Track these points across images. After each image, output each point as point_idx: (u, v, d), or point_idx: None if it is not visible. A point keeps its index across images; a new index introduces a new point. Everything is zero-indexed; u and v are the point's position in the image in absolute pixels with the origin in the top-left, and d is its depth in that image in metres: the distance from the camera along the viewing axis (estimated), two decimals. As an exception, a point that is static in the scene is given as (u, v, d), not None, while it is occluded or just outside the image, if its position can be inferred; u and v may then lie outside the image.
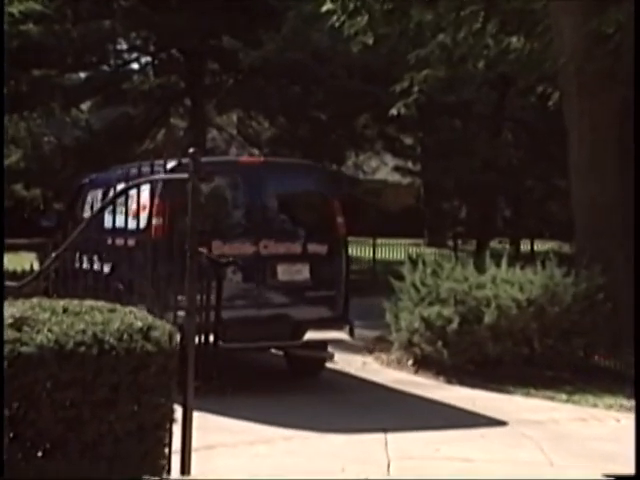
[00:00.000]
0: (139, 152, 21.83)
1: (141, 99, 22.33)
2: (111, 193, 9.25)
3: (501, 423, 8.40)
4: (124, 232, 7.78)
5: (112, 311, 5.32)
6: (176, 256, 6.74)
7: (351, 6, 12.80)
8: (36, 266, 9.14)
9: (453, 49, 13.02)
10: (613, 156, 11.42)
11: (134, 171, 8.09)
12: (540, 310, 10.13)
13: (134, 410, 5.05)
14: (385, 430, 7.82)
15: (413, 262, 11.25)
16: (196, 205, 6.03)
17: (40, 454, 4.80)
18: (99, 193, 10.53)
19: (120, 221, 7.92)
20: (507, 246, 23.71)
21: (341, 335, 9.81)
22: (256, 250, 9.37)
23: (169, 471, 5.49)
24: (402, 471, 6.76)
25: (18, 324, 4.88)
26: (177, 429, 5.61)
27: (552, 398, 9.47)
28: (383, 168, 33.60)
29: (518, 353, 10.14)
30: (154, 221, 8.46)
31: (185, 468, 5.82)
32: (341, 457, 7.02)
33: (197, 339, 6.86)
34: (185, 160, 6.56)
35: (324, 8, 13.00)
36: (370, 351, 12.07)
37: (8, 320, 4.90)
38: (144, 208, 8.37)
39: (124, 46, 24.07)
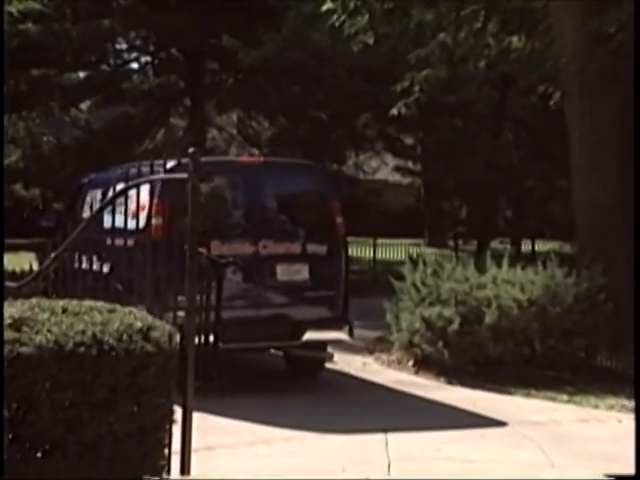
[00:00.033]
0: (139, 152, 21.79)
1: (141, 99, 22.30)
2: (110, 193, 9.26)
3: (502, 424, 8.38)
4: (123, 232, 7.75)
5: (112, 311, 5.30)
6: (175, 256, 6.72)
7: (351, 5, 12.76)
8: (35, 266, 9.10)
9: (454, 49, 12.98)
10: (615, 156, 11.40)
11: (133, 171, 8.07)
12: (541, 310, 10.11)
13: (134, 411, 5.02)
14: (385, 430, 7.81)
15: (414, 262, 11.24)
16: (196, 205, 6.00)
17: (39, 455, 4.77)
18: (98, 193, 10.52)
19: (119, 221, 7.89)
20: (508, 246, 23.66)
21: (340, 335, 9.81)
22: (255, 250, 9.36)
23: (169, 472, 5.47)
24: (403, 472, 6.75)
25: (17, 324, 4.86)
26: (177, 430, 5.58)
27: (553, 399, 9.46)
28: (383, 168, 33.59)
29: (519, 353, 10.13)
30: (153, 221, 8.44)
31: (185, 469, 5.79)
32: (341, 458, 7.01)
33: (197, 340, 6.84)
34: (185, 160, 6.54)
35: (324, 7, 12.96)
36: (370, 351, 12.06)
37: (7, 320, 4.88)
38: (143, 208, 8.35)
39: (123, 45, 24.07)
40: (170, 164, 8.66)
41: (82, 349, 4.80)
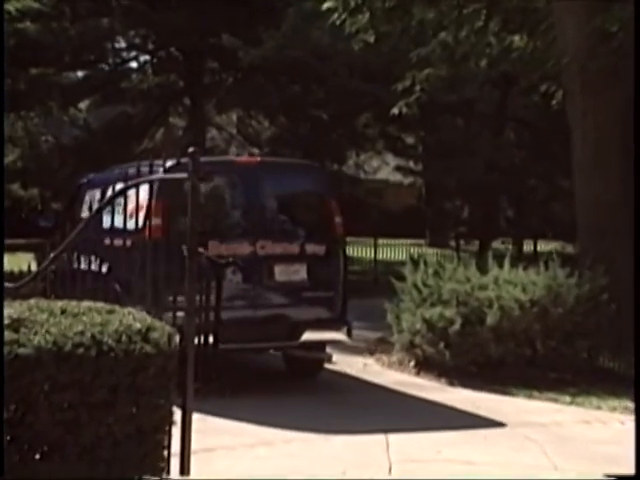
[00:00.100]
0: (138, 151, 21.76)
1: (140, 98, 22.27)
2: (109, 193, 9.23)
3: (504, 425, 8.34)
4: (121, 232, 7.73)
5: (111, 312, 5.27)
6: (174, 256, 6.68)
7: (352, 4, 12.74)
8: (34, 267, 9.05)
9: (455, 47, 12.95)
10: (617, 154, 11.37)
11: (132, 171, 8.04)
12: (543, 311, 10.07)
13: (133, 412, 4.99)
14: (386, 432, 7.77)
15: (415, 263, 11.21)
16: (195, 205, 5.96)
17: (38, 457, 4.74)
18: (97, 193, 10.50)
19: (118, 221, 7.86)
20: (510, 246, 23.62)
21: (339, 336, 9.78)
22: (253, 250, 9.32)
23: (168, 474, 5.43)
24: (404, 474, 6.71)
25: (15, 325, 4.83)
26: (176, 431, 5.54)
27: (555, 400, 9.42)
28: (384, 168, 33.56)
29: (521, 355, 10.09)
30: (150, 221, 8.38)
31: (184, 471, 5.75)
32: (342, 460, 6.97)
33: (196, 340, 6.80)
34: (184, 160, 6.49)
35: (325, 5, 12.94)
36: (371, 352, 12.02)
37: (5, 321, 4.84)
38: (141, 208, 8.31)
39: (123, 44, 24.06)
40: (169, 164, 8.63)
41: (81, 350, 4.77)
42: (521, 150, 25.51)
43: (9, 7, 16.96)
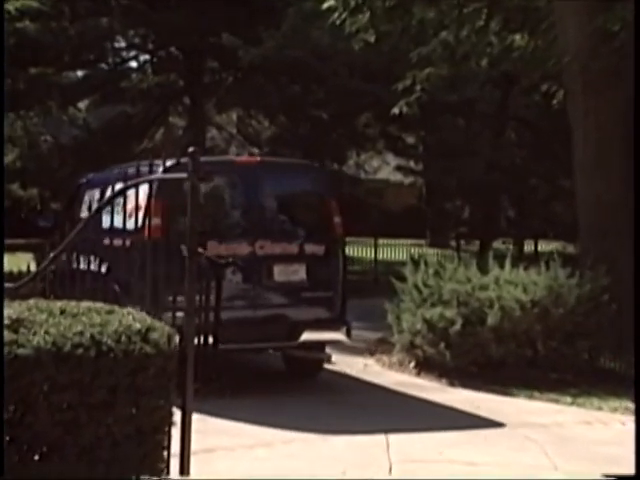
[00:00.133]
0: (137, 151, 21.73)
1: (139, 98, 22.25)
2: (108, 193, 9.21)
3: (504, 426, 8.33)
4: (120, 232, 7.71)
5: (110, 312, 5.25)
6: (174, 257, 6.66)
7: (352, 3, 12.73)
8: (33, 267, 9.03)
9: (456, 47, 12.93)
10: (619, 154, 11.35)
11: (132, 171, 8.01)
12: (544, 311, 10.05)
13: (132, 413, 4.97)
14: (387, 432, 7.75)
15: (415, 263, 11.19)
16: (195, 205, 5.94)
17: (37, 457, 4.72)
18: (96, 193, 10.48)
19: (117, 221, 7.84)
20: (510, 247, 23.62)
21: (338, 336, 9.76)
22: (252, 250, 9.30)
23: (168, 474, 5.42)
24: (404, 474, 6.70)
25: (15, 326, 4.81)
26: (176, 432, 5.52)
27: (556, 401, 9.40)
28: (385, 167, 33.54)
29: (522, 355, 10.07)
30: (149, 221, 8.35)
31: (184, 471, 5.74)
32: (342, 460, 6.96)
33: (196, 340, 6.78)
34: (184, 159, 6.48)
35: (325, 5, 12.94)
36: (371, 353, 12.00)
37: (5, 322, 4.82)
38: (141, 208, 8.29)
39: (122, 44, 24.02)
40: (168, 164, 8.61)
41: (80, 350, 4.75)
42: (522, 150, 25.47)
43: (8, 6, 16.93)
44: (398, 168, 30.75)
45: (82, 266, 7.56)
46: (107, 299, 6.14)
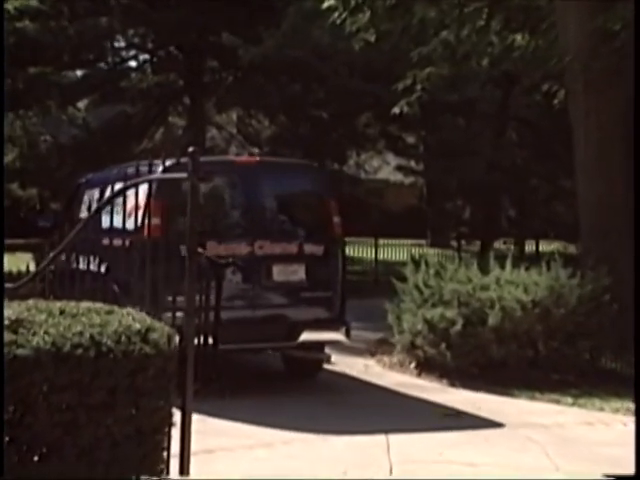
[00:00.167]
0: (137, 151, 21.75)
1: (139, 97, 22.25)
2: (108, 193, 9.18)
3: (505, 427, 8.30)
4: (120, 232, 7.68)
5: (110, 313, 5.22)
6: (173, 257, 6.64)
7: (353, 2, 12.72)
8: (32, 267, 9.01)
9: (456, 46, 12.91)
10: (620, 154, 11.34)
11: (131, 170, 7.99)
12: (545, 312, 10.03)
13: (132, 413, 4.95)
14: (387, 433, 7.73)
15: (416, 263, 11.18)
16: (195, 205, 5.92)
17: (36, 458, 4.70)
18: (96, 193, 10.46)
19: (116, 221, 7.81)
20: (511, 247, 23.65)
21: (337, 336, 9.74)
22: (251, 250, 9.29)
23: (168, 475, 5.40)
24: (404, 474, 6.68)
25: (14, 326, 4.78)
26: (176, 432, 5.50)
27: (558, 401, 9.38)
28: (385, 167, 33.54)
29: (523, 356, 10.05)
30: (148, 221, 8.33)
31: (184, 472, 5.72)
32: (343, 461, 6.94)
33: (196, 341, 6.76)
34: (183, 159, 6.45)
35: (325, 4, 12.93)
36: (372, 353, 11.99)
37: (4, 322, 4.79)
38: (139, 208, 8.26)
39: (122, 43, 24.03)
40: (168, 163, 8.59)
41: (80, 351, 4.72)
42: (523, 150, 25.46)
43: (8, 6, 16.91)
44: (398, 168, 30.75)
45: (81, 266, 7.53)
46: (106, 299, 6.12)
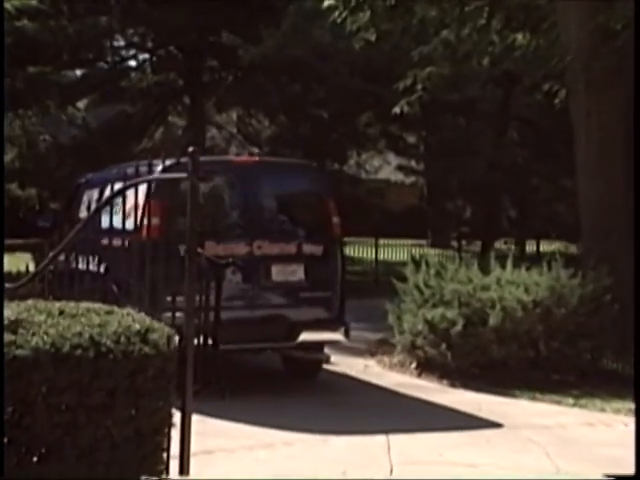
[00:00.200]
0: (137, 151, 21.73)
1: (139, 97, 22.24)
2: (107, 193, 9.17)
3: (506, 427, 8.27)
4: (118, 232, 7.68)
5: (109, 313, 5.22)
6: (173, 257, 6.63)
7: (353, 2, 12.71)
8: (32, 267, 9.00)
9: (457, 46, 12.91)
10: (621, 154, 11.33)
11: (131, 170, 7.98)
12: (546, 312, 10.01)
13: (131, 414, 4.94)
14: (388, 434, 7.71)
15: (416, 263, 11.16)
16: (195, 205, 5.90)
17: (35, 459, 4.69)
18: (95, 193, 10.45)
19: (116, 221, 7.80)
20: (512, 247, 23.63)
21: (336, 336, 9.73)
22: (250, 250, 9.27)
23: (167, 476, 5.39)
24: (405, 475, 6.66)
25: (13, 326, 4.77)
26: (175, 433, 5.49)
27: (559, 402, 9.36)
28: (386, 167, 33.52)
29: (523, 356, 10.03)
30: (148, 221, 8.32)
31: (184, 473, 5.72)
32: (343, 461, 6.93)
33: (196, 341, 6.75)
34: (183, 159, 6.44)
35: (325, 4, 12.92)
36: (372, 354, 11.97)
37: (4, 322, 4.78)
38: (139, 208, 8.26)
39: (121, 43, 24.00)
40: (167, 163, 8.57)
41: (79, 351, 4.71)
42: (524, 149, 25.41)
43: (7, 5, 16.89)
44: (399, 168, 30.75)
45: (81, 266, 7.52)
46: (106, 299, 6.10)
